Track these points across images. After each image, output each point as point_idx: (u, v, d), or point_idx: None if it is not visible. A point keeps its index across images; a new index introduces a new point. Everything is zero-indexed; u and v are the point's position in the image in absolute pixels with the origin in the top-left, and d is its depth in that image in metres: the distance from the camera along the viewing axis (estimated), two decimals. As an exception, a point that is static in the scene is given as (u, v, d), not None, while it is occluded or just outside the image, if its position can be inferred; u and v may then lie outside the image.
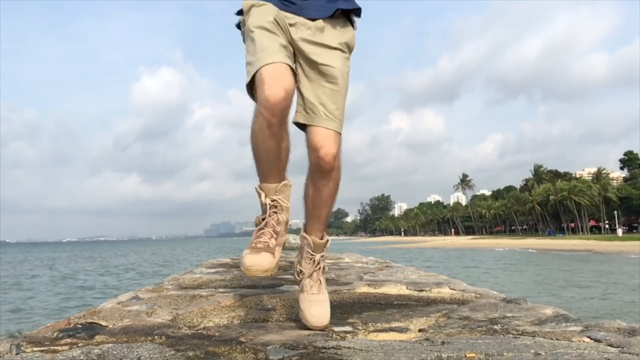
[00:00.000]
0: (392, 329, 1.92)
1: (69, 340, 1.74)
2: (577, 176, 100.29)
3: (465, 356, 1.42)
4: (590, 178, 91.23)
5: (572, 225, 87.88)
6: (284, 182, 1.92)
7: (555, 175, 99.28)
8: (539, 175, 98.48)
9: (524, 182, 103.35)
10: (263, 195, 1.91)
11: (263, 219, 1.91)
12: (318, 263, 2.04)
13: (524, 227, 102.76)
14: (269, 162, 1.86)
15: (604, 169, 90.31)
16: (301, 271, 2.04)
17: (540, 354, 1.40)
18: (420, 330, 1.88)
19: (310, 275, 2.02)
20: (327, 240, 2.08)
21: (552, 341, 1.59)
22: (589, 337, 1.64)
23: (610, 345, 1.51)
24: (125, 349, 1.56)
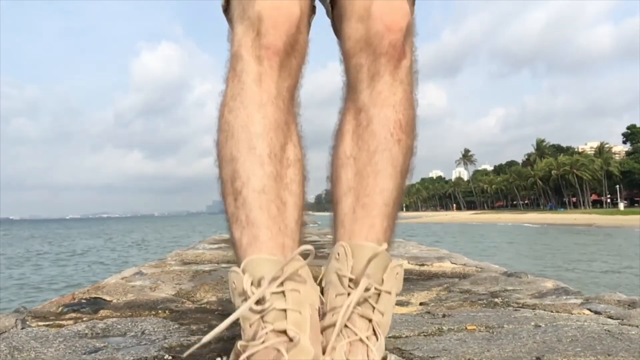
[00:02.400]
0: (393, 303, 1.94)
1: (73, 314, 1.76)
2: (580, 150, 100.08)
3: (466, 328, 1.43)
4: (592, 152, 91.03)
5: (574, 199, 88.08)
6: (299, 251, 0.77)
7: (558, 149, 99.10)
8: (541, 149, 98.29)
9: (526, 156, 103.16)
10: (250, 281, 0.77)
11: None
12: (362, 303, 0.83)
13: (526, 201, 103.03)
14: (260, 186, 0.83)
15: (606, 143, 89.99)
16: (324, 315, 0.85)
17: (540, 326, 1.42)
18: (421, 304, 1.90)
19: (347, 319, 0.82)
20: (399, 266, 0.87)
21: (552, 313, 1.60)
22: (589, 309, 1.65)
23: (610, 317, 1.53)
24: (129, 323, 1.58)
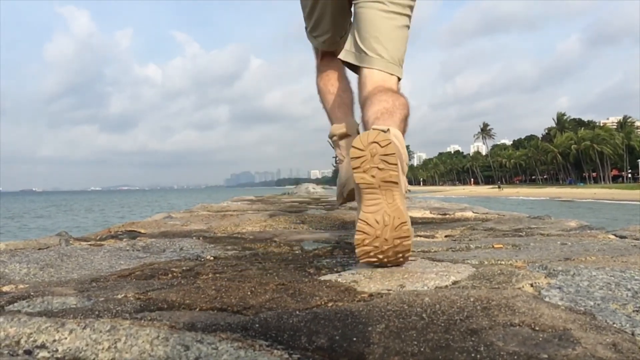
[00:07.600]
0: (419, 236, 1.98)
1: (112, 240, 1.84)
2: (601, 124, 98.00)
3: (493, 247, 1.47)
4: (614, 127, 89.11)
5: (594, 174, 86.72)
6: None
7: (579, 123, 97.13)
8: (562, 123, 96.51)
9: (546, 130, 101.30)
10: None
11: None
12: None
13: (545, 176, 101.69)
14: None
15: (629, 117, 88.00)
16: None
17: (566, 244, 1.45)
18: (446, 236, 1.94)
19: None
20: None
21: (578, 239, 1.63)
22: (614, 235, 1.68)
23: (636, 239, 1.55)
24: (167, 242, 1.65)
